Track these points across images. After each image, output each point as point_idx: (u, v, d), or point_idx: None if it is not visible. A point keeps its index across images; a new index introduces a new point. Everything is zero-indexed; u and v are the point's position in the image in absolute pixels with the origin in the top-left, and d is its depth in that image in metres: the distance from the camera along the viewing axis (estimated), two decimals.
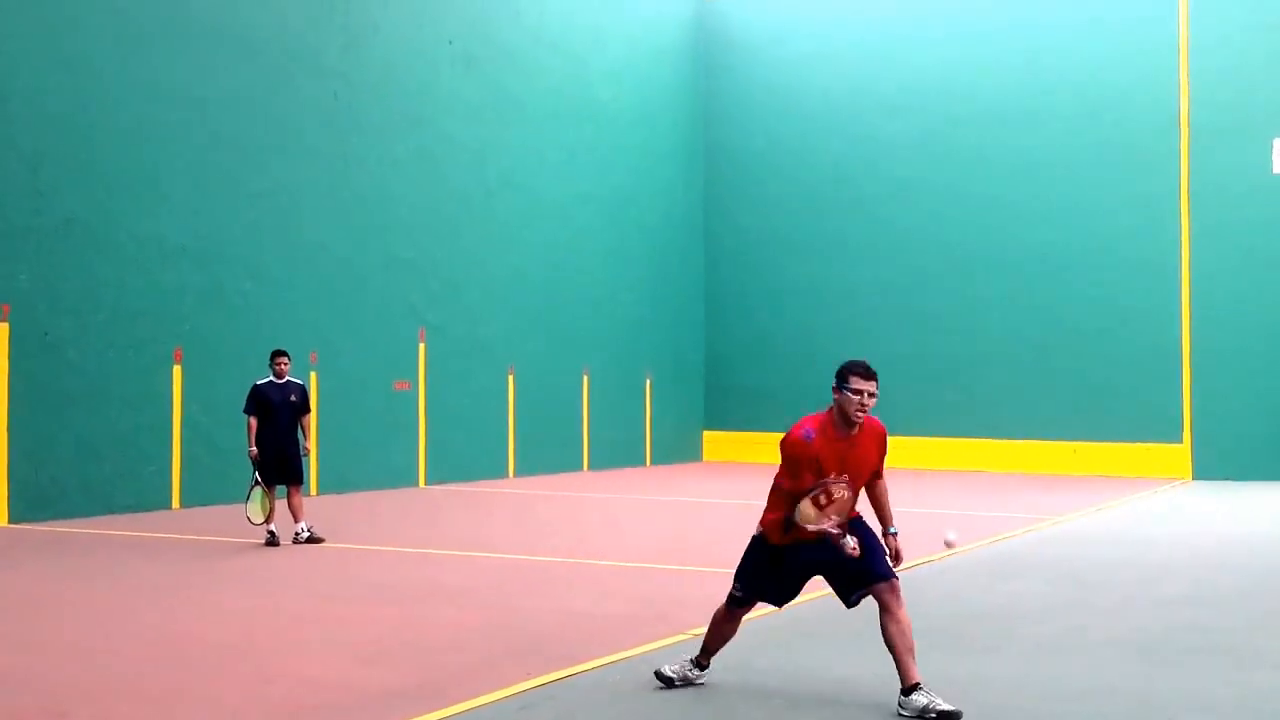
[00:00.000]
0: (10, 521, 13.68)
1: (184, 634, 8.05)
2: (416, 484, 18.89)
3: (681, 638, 7.96)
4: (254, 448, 12.14)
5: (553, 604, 9.29)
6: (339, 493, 17.33)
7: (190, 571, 10.74)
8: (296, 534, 12.21)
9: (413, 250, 19.05)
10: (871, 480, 6.93)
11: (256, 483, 12.15)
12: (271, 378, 12.42)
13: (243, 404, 12.45)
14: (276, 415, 12.26)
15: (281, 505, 12.59)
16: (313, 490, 16.97)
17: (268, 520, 12.15)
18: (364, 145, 18.31)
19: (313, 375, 17.14)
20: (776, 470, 6.70)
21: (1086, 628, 8.49)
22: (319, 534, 12.38)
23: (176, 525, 13.71)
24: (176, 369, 15.50)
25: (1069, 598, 9.68)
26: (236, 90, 16.46)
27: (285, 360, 12.51)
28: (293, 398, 12.41)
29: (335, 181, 17.86)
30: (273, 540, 12.07)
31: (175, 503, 15.37)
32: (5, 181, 13.93)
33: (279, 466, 12.26)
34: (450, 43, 19.83)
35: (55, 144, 14.40)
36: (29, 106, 14.17)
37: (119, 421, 14.82)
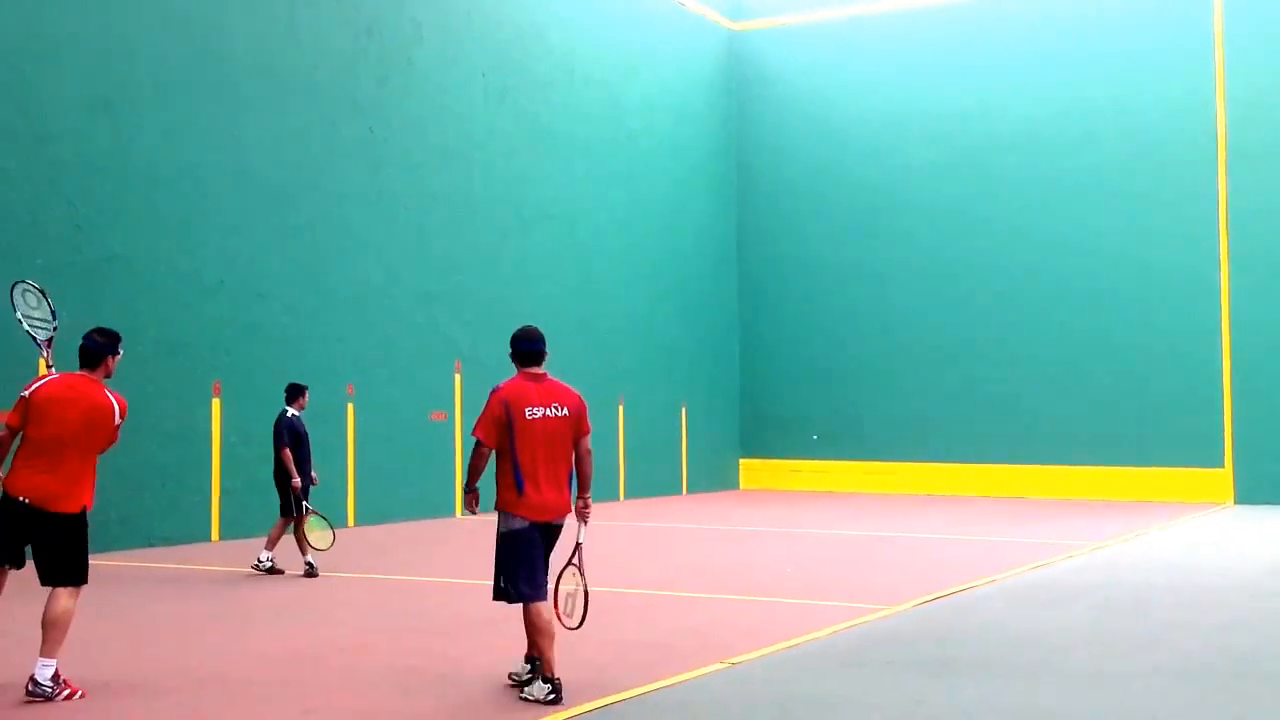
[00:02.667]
0: None
1: (226, 665, 8.08)
2: (452, 515, 18.93)
3: (719, 666, 7.93)
4: (297, 478, 12.24)
5: (591, 634, 9.27)
6: (375, 524, 17.38)
7: (230, 603, 10.79)
8: (309, 566, 12.21)
9: (448, 282, 19.15)
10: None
11: (308, 511, 12.24)
12: (295, 411, 12.53)
13: (276, 437, 12.52)
14: (303, 447, 12.42)
15: (287, 538, 12.66)
16: (349, 521, 17.04)
17: (306, 550, 12.21)
18: (399, 179, 18.45)
19: (350, 407, 17.24)
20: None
21: (1129, 655, 8.40)
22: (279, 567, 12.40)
23: (216, 557, 13.78)
24: (215, 402, 15.62)
25: (1111, 625, 9.59)
26: (272, 127, 16.63)
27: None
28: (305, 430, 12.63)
29: (371, 215, 17.99)
30: (311, 571, 12.12)
31: (215, 535, 15.46)
32: (47, 220, 14.12)
33: (306, 497, 12.38)
34: (484, 76, 19.98)
35: (95, 183, 14.59)
36: (70, 147, 14.36)
37: (159, 455, 14.94)
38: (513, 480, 7.10)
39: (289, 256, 16.76)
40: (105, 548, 14.16)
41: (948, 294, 24.26)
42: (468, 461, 7.43)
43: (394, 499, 17.97)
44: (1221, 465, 22.16)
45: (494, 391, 7.23)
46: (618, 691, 7.18)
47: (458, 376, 19.18)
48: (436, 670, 7.99)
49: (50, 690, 7.07)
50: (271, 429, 12.56)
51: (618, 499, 22.25)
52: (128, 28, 14.98)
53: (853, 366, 24.91)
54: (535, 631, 7.11)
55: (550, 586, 7.32)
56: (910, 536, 16.37)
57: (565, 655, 8.36)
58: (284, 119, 16.77)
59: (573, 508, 7.36)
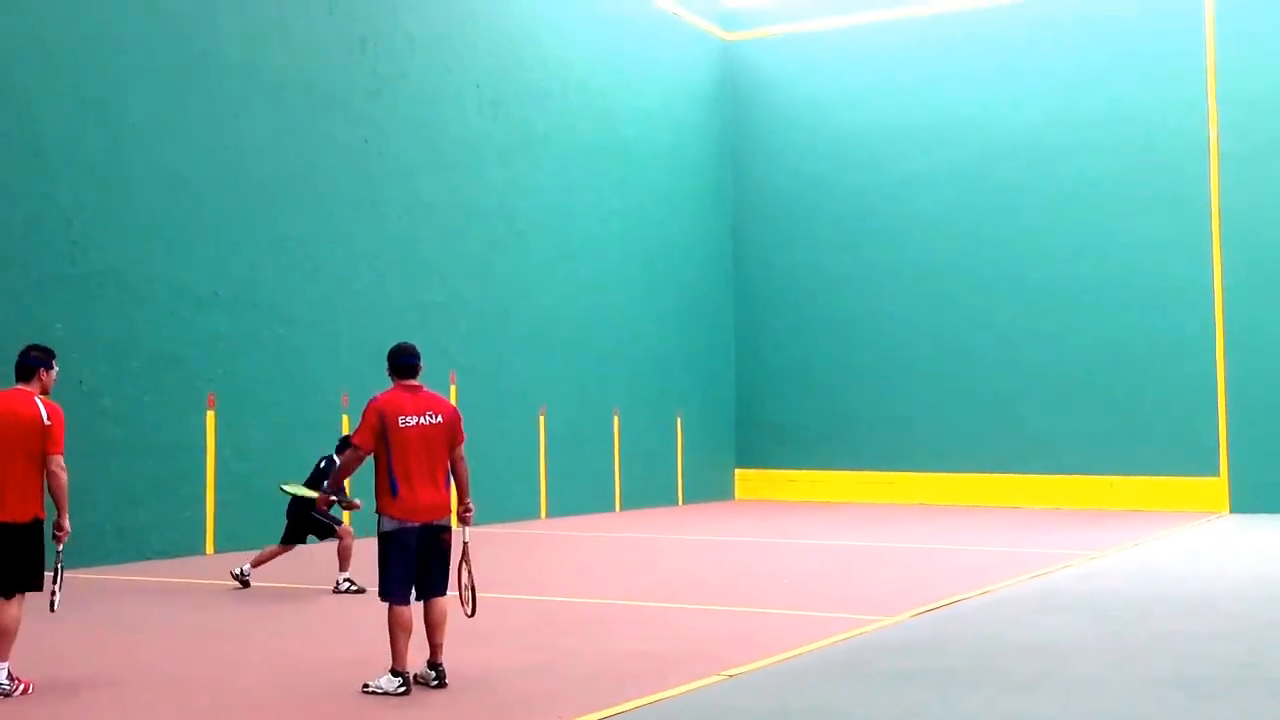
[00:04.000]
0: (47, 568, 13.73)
1: (222, 676, 8.05)
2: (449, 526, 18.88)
3: (715, 678, 7.92)
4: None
5: (589, 645, 9.26)
6: (370, 536, 17.32)
7: (226, 616, 10.76)
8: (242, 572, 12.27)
9: (443, 293, 19.14)
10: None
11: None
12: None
13: (274, 449, 12.51)
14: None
15: (303, 550, 12.63)
16: None
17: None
18: (394, 189, 18.44)
19: (345, 418, 17.21)
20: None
21: (1126, 663, 8.40)
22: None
23: (212, 570, 13.75)
24: (210, 414, 15.59)
25: (1108, 633, 9.59)
26: (267, 138, 16.63)
27: None
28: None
29: (366, 226, 17.98)
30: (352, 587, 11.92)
31: (209, 548, 15.42)
32: (41, 232, 14.10)
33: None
34: (478, 86, 19.99)
35: (90, 195, 14.57)
36: (64, 160, 14.34)
37: (154, 468, 14.90)
38: (388, 484, 7.57)
39: (283, 268, 16.74)
40: (99, 561, 14.14)
41: (943, 303, 24.27)
42: (340, 467, 7.98)
43: None
44: (1217, 474, 22.17)
45: (371, 402, 7.77)
46: (613, 704, 7.16)
47: (453, 387, 19.16)
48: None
49: (8, 687, 7.44)
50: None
51: (614, 510, 22.22)
52: (122, 40, 14.97)
53: (848, 376, 24.91)
54: (398, 628, 7.53)
55: (452, 578, 7.88)
56: (906, 546, 16.36)
57: (560, 666, 8.34)
58: (279, 130, 16.76)
59: (455, 512, 7.87)
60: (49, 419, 7.72)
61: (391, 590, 7.59)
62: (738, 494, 25.77)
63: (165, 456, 15.05)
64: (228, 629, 10.08)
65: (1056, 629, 9.77)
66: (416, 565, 7.66)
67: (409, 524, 7.60)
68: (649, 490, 23.22)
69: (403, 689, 7.42)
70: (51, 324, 14.08)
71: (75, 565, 13.84)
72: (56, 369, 8.10)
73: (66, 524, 7.76)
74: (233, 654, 8.98)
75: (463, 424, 7.93)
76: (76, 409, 14.13)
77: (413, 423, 7.66)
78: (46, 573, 7.81)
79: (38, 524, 7.68)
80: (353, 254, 17.74)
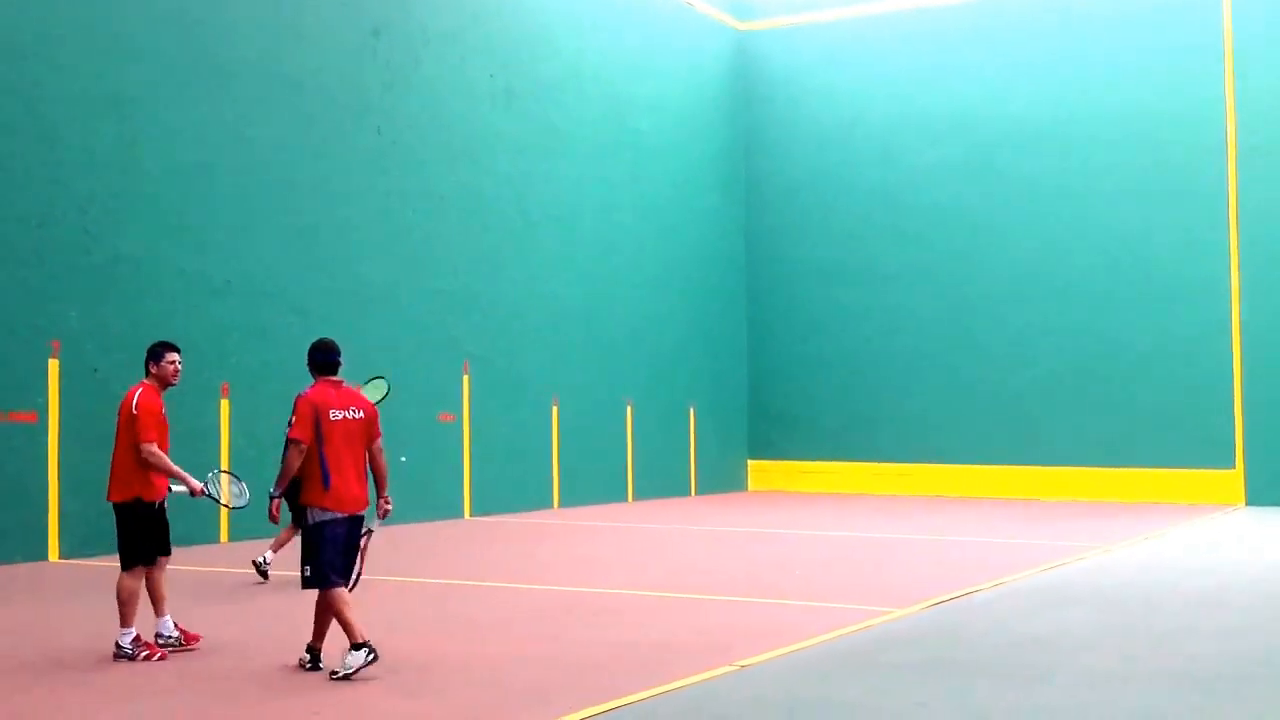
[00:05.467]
0: (61, 557, 13.81)
1: (232, 666, 8.08)
2: (461, 516, 18.92)
3: (727, 668, 7.91)
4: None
5: (601, 635, 9.26)
6: (384, 525, 17.36)
7: (239, 604, 10.79)
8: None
9: (456, 283, 19.14)
10: None
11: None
12: None
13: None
14: None
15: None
16: None
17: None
18: (406, 180, 18.44)
19: None
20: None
21: (1139, 657, 8.37)
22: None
23: (224, 558, 13.79)
24: (223, 403, 15.63)
25: (1121, 626, 9.56)
26: (280, 128, 16.64)
27: None
28: None
29: (378, 216, 17.99)
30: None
31: (223, 536, 15.46)
32: (55, 221, 14.13)
33: None
34: (491, 77, 19.97)
35: (104, 184, 14.60)
36: (78, 149, 14.37)
37: (168, 455, 14.90)
38: (320, 477, 7.87)
39: (296, 257, 16.77)
40: (114, 550, 14.17)
41: (956, 295, 24.20)
42: (285, 464, 8.09)
43: (401, 500, 17.91)
44: (1232, 466, 22.09)
45: (300, 397, 8.06)
46: (625, 694, 7.17)
47: (466, 377, 19.17)
48: (442, 672, 7.99)
49: (131, 650, 8.22)
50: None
51: (626, 500, 22.22)
52: (135, 29, 14.99)
53: (861, 367, 24.86)
54: (332, 612, 7.81)
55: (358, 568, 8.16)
56: (919, 538, 16.34)
57: (572, 656, 8.35)
58: (291, 120, 16.78)
59: (373, 504, 8.21)
60: (136, 409, 8.41)
61: (327, 576, 7.86)
62: (750, 485, 25.75)
63: (179, 444, 14.99)
64: (242, 615, 10.10)
65: (1068, 622, 9.75)
66: (344, 553, 7.96)
67: (339, 514, 7.90)
68: (661, 481, 23.22)
69: (371, 656, 7.63)
70: (65, 313, 14.13)
71: (90, 554, 13.93)
72: (170, 360, 8.78)
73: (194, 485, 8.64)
74: (241, 643, 9.00)
75: (379, 421, 8.22)
76: (90, 397, 14.20)
77: (340, 417, 7.98)
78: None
79: (139, 504, 8.48)
80: (365, 244, 17.76)
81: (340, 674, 7.63)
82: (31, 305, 13.83)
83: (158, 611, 8.58)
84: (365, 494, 8.08)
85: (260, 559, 12.21)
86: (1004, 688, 7.40)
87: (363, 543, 8.09)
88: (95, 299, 14.42)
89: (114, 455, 8.51)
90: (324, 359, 8.22)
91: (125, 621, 8.30)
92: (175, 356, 8.77)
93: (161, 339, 9.26)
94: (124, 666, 8.16)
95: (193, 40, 15.62)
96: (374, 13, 18.06)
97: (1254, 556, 14.47)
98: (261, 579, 12.03)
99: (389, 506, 8.20)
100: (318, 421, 7.92)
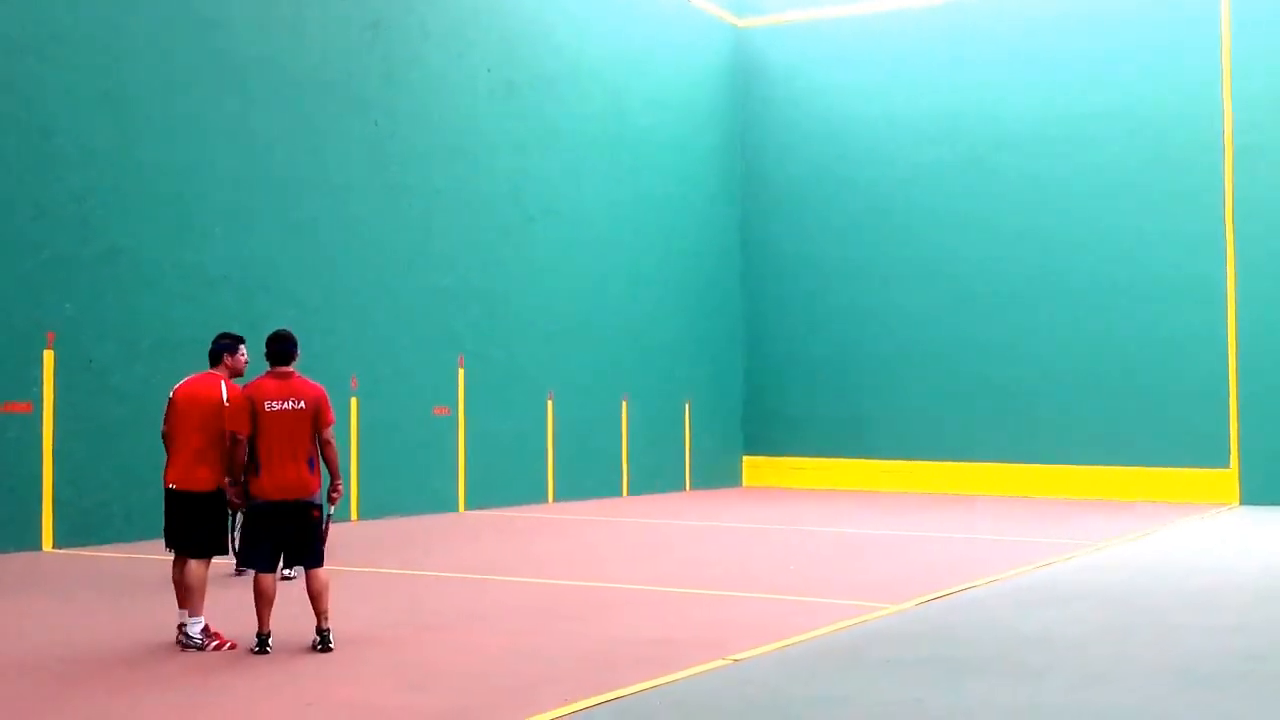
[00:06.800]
0: (55, 546, 13.80)
1: (229, 657, 8.08)
2: (456, 509, 18.92)
3: (721, 663, 7.92)
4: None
5: (594, 629, 9.27)
6: (378, 518, 17.37)
7: (234, 596, 10.79)
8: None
9: (452, 277, 19.13)
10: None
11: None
12: None
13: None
14: None
15: None
16: (353, 516, 17.03)
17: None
18: (404, 174, 18.43)
19: (353, 401, 17.24)
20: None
21: (1133, 655, 8.38)
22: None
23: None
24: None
25: (1115, 624, 9.57)
26: (277, 121, 16.61)
27: None
28: None
29: (375, 210, 17.97)
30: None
31: None
32: (52, 213, 14.11)
33: None
34: (489, 71, 19.95)
35: (100, 176, 14.57)
36: (74, 140, 14.35)
37: (162, 448, 14.89)
38: (254, 465, 8.25)
39: (293, 251, 16.75)
40: (110, 540, 14.19)
41: (952, 292, 24.21)
42: (230, 456, 8.38)
43: (397, 493, 17.96)
44: (1227, 465, 22.11)
45: (243, 389, 8.37)
46: (619, 687, 7.17)
47: (461, 371, 19.17)
48: (438, 665, 7.99)
49: (200, 641, 8.30)
50: None
51: (621, 495, 22.23)
52: (132, 20, 14.96)
53: (856, 364, 24.87)
54: (259, 595, 8.20)
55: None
56: (913, 535, 16.35)
57: (566, 650, 8.35)
58: (289, 113, 16.75)
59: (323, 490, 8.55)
60: (228, 399, 8.50)
61: (251, 559, 8.32)
62: (745, 481, 25.76)
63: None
64: (236, 606, 10.10)
65: (1063, 619, 9.76)
66: (276, 539, 8.26)
67: (268, 500, 8.22)
68: (656, 476, 23.23)
69: (260, 650, 8.13)
70: (61, 304, 14.12)
71: (84, 543, 13.92)
72: (243, 352, 8.95)
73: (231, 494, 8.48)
74: (236, 635, 9.00)
75: (330, 409, 8.47)
76: (86, 389, 14.19)
77: (276, 408, 8.25)
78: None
79: (219, 493, 8.51)
80: (363, 238, 17.74)
81: (192, 642, 8.23)
82: (27, 296, 13.82)
83: (190, 605, 8.44)
84: (307, 480, 8.34)
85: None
86: (998, 685, 7.41)
87: (326, 525, 8.47)
88: (91, 290, 14.40)
89: (191, 444, 8.51)
90: (275, 348, 8.44)
91: (195, 610, 8.34)
92: (245, 348, 9.04)
93: (227, 330, 9.43)
94: (119, 658, 8.15)
95: (191, 33, 15.59)
96: (373, 6, 18.03)
97: (1249, 555, 14.49)
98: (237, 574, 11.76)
99: (338, 495, 8.45)
100: (254, 413, 8.23)
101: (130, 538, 14.36)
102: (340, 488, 8.48)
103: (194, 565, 8.39)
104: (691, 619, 9.75)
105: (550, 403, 20.83)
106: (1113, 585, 11.76)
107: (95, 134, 14.53)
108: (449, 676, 7.62)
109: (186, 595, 8.37)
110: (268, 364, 8.48)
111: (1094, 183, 23.24)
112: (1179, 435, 22.36)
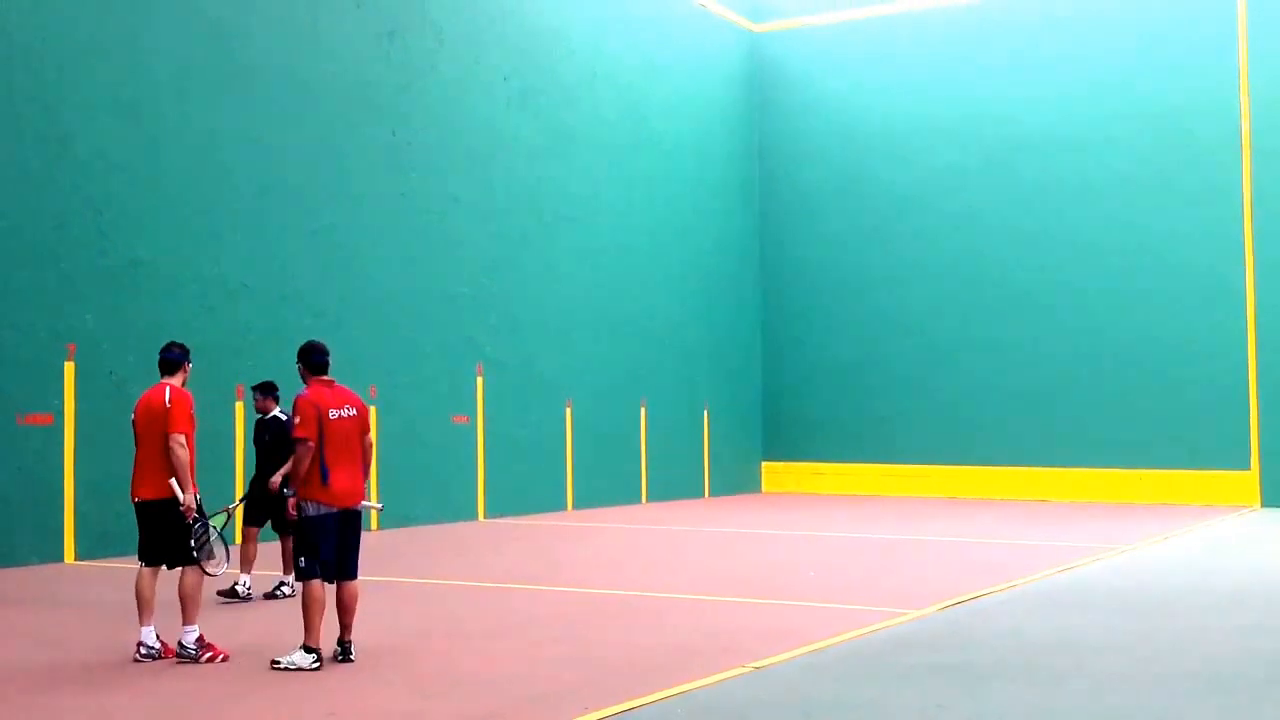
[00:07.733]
0: (77, 558, 13.86)
1: (252, 665, 8.10)
2: (476, 518, 18.94)
3: (741, 670, 7.91)
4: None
5: (615, 636, 9.27)
6: (399, 527, 17.41)
7: (257, 605, 10.81)
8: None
9: (471, 285, 19.17)
10: None
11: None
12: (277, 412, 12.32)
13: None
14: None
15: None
16: (373, 525, 17.06)
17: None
18: (422, 182, 18.48)
19: (373, 409, 17.28)
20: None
21: (1156, 659, 8.34)
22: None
23: (239, 559, 13.78)
24: (238, 405, 15.67)
25: (1137, 628, 9.53)
26: (295, 131, 16.68)
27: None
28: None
29: (394, 218, 18.03)
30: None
31: (237, 537, 15.47)
32: (72, 225, 14.19)
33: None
34: (506, 79, 20.00)
35: (119, 188, 14.65)
36: (94, 152, 14.43)
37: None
38: (319, 473, 8.12)
39: (312, 259, 16.81)
40: (131, 553, 14.21)
41: (970, 296, 24.16)
42: (296, 464, 8.22)
43: (416, 502, 17.99)
44: (1248, 468, 22.00)
45: (301, 398, 8.26)
46: (638, 695, 7.17)
47: (480, 379, 19.20)
48: (457, 674, 8.00)
49: (194, 652, 8.20)
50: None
51: (640, 502, 22.22)
52: (152, 32, 15.05)
53: (875, 369, 24.83)
54: (314, 605, 7.98)
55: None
56: (933, 540, 16.30)
57: (587, 658, 8.35)
58: (307, 122, 16.82)
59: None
60: (169, 402, 8.44)
61: (315, 570, 8.09)
62: (764, 487, 25.73)
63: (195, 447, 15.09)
64: (256, 617, 10.12)
65: (1084, 624, 9.72)
66: (341, 546, 8.20)
67: (334, 509, 8.16)
68: (675, 483, 23.22)
69: (316, 664, 7.93)
70: (82, 315, 14.19)
71: (104, 555, 13.97)
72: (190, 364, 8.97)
73: (186, 499, 8.30)
74: (256, 645, 9.03)
75: (369, 416, 8.49)
76: (106, 400, 14.25)
77: (338, 415, 8.26)
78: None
79: (167, 501, 8.36)
80: (381, 246, 17.79)
81: (280, 664, 7.92)
82: (48, 308, 13.89)
83: (185, 615, 8.36)
84: (361, 488, 8.38)
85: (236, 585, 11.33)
86: (1020, 690, 7.38)
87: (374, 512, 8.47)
88: (112, 302, 14.47)
89: (154, 455, 8.44)
90: (317, 359, 8.44)
91: (189, 619, 8.31)
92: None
93: (174, 340, 9.26)
94: (141, 668, 8.18)
95: (209, 44, 15.67)
96: (389, 15, 18.10)
97: (1271, 557, 14.40)
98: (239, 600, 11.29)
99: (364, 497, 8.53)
100: (320, 420, 8.17)
101: None
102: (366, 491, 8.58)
103: (186, 575, 8.37)
104: (712, 626, 9.73)
105: (569, 410, 20.84)
106: (1134, 589, 11.71)
107: (115, 145, 14.61)
108: (470, 685, 7.62)
109: (182, 606, 8.31)
110: (305, 376, 8.46)
111: (1112, 184, 23.17)
112: (1200, 437, 22.26)
